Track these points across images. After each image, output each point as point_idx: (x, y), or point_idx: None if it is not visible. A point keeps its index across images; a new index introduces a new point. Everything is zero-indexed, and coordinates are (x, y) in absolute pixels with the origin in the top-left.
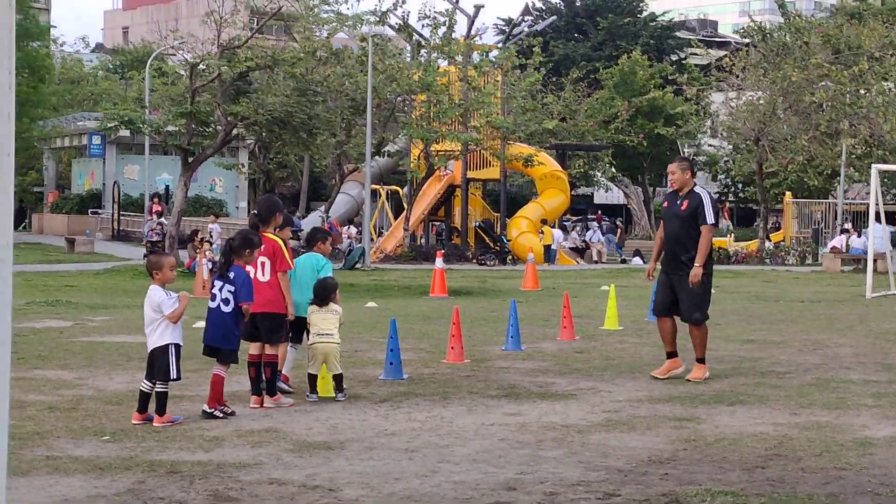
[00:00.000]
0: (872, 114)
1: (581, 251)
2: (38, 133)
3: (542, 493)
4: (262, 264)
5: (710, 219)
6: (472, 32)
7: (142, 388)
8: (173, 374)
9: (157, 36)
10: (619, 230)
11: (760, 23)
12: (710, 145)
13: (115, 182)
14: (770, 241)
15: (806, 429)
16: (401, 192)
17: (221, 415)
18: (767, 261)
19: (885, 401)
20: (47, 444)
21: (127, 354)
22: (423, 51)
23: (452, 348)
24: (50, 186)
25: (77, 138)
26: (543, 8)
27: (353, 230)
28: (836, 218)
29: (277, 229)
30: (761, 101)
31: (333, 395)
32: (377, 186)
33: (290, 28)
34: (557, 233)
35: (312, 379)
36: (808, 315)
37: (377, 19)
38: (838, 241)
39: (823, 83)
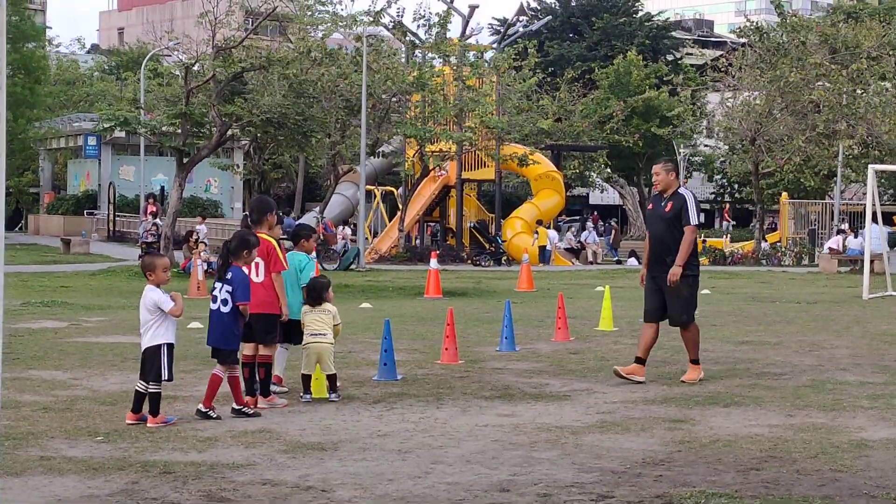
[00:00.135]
0: (870, 114)
1: (576, 252)
2: (34, 134)
3: (535, 494)
4: (256, 265)
5: (694, 219)
6: (467, 32)
7: (137, 387)
8: (165, 375)
9: (153, 37)
10: (613, 231)
11: (757, 22)
12: (706, 145)
13: (110, 183)
14: (766, 241)
15: (801, 430)
16: (396, 193)
17: (215, 415)
18: (763, 261)
19: (881, 402)
20: (41, 444)
21: (122, 355)
22: (417, 51)
23: (447, 349)
24: (46, 187)
25: (73, 139)
26: (538, 8)
27: (348, 231)
28: (832, 218)
29: (270, 229)
30: (758, 101)
31: (327, 395)
32: (372, 187)
33: (285, 29)
34: (552, 233)
35: (306, 380)
36: (805, 316)
37: (371, 19)
38: (835, 241)
39: (821, 83)
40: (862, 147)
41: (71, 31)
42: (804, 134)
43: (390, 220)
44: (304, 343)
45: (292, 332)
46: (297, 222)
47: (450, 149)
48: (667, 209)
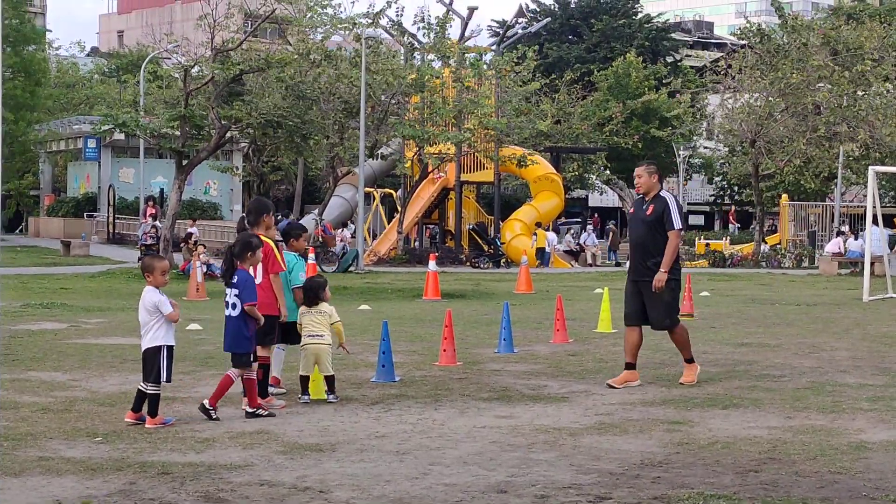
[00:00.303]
0: (871, 116)
1: (575, 254)
2: (34, 137)
3: (533, 495)
4: (255, 266)
5: (678, 224)
6: (466, 34)
7: (139, 387)
8: (163, 377)
9: (152, 39)
10: (612, 233)
11: (757, 24)
12: (705, 147)
13: (110, 185)
14: (766, 243)
15: (800, 432)
16: (394, 195)
17: (215, 416)
18: (763, 264)
19: (880, 405)
20: (40, 444)
21: (121, 356)
22: (416, 53)
23: (445, 351)
24: (46, 190)
25: (73, 142)
26: (537, 10)
27: (347, 233)
28: (832, 220)
29: (267, 230)
30: (758, 103)
31: (325, 396)
32: (371, 189)
33: (284, 31)
34: (551, 235)
35: (304, 381)
36: (804, 318)
37: (370, 21)
38: (835, 243)
39: (822, 85)
40: (863, 149)
41: (71, 34)
42: (805, 136)
43: (389, 222)
44: (301, 344)
45: (288, 333)
46: (287, 221)
47: (449, 150)
48: (648, 212)
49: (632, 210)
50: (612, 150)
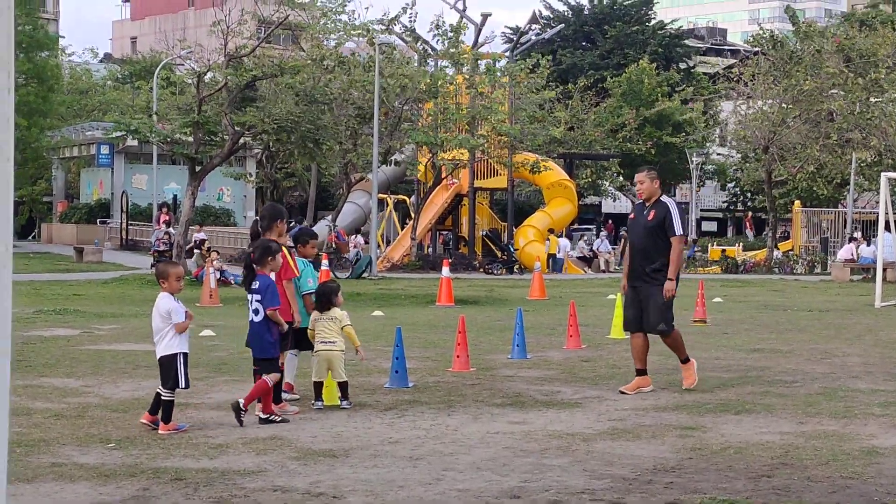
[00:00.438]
0: (884, 123)
1: (588, 260)
2: (47, 143)
3: (546, 500)
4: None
5: (679, 230)
6: (480, 41)
7: (158, 390)
8: (182, 384)
9: (165, 46)
10: (623, 239)
11: (770, 31)
12: (718, 154)
13: (123, 192)
14: (779, 249)
15: (813, 438)
16: (408, 202)
17: (244, 418)
18: (776, 270)
19: (892, 410)
20: (53, 451)
21: (134, 363)
22: (430, 59)
23: (458, 357)
24: (59, 196)
25: (86, 148)
26: (551, 16)
27: (361, 239)
28: (845, 227)
29: (280, 236)
30: (771, 110)
31: (338, 402)
32: (384, 196)
33: (298, 38)
34: (564, 242)
35: (317, 387)
36: (817, 324)
37: (384, 27)
38: (847, 250)
39: (835, 91)
40: (876, 155)
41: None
42: (818, 142)
43: (402, 229)
44: (314, 350)
45: (301, 339)
46: (299, 227)
47: (462, 156)
48: (649, 218)
49: (632, 215)
50: (626, 157)
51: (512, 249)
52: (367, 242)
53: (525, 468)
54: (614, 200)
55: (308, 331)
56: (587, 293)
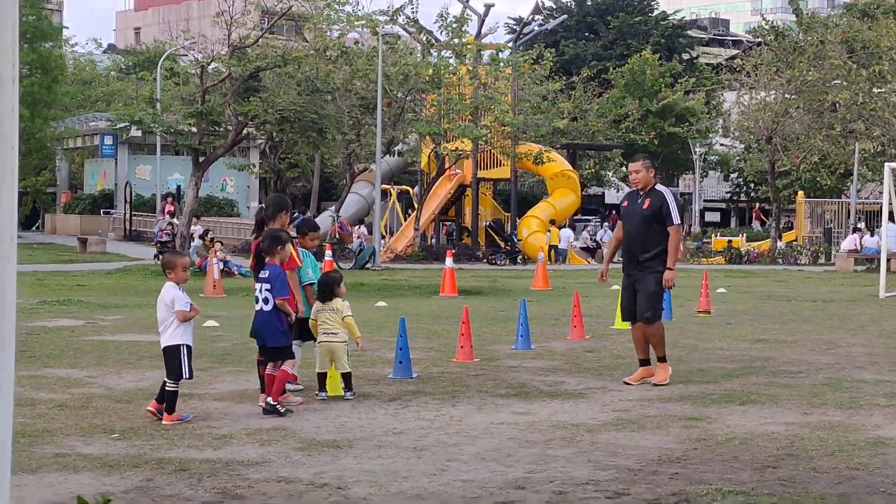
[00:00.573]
0: (888, 113)
1: (592, 251)
2: (51, 133)
3: (550, 491)
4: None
5: (677, 219)
6: (483, 32)
7: (165, 380)
8: (186, 374)
9: (169, 36)
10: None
11: (772, 22)
12: (721, 144)
13: (126, 182)
14: (782, 240)
15: (818, 428)
16: (411, 192)
17: (283, 409)
18: (780, 260)
19: None
20: (57, 441)
21: (137, 353)
22: (433, 50)
23: (462, 347)
24: (63, 187)
25: (89, 139)
26: (554, 7)
27: (364, 230)
28: (848, 217)
29: (283, 227)
30: (774, 100)
31: (342, 393)
32: (388, 186)
33: (301, 28)
34: (568, 232)
35: (321, 377)
36: (821, 315)
37: (388, 18)
38: (851, 240)
39: (838, 82)
40: (879, 146)
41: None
42: (821, 133)
43: (406, 219)
44: (317, 342)
45: (304, 329)
46: (302, 218)
47: (465, 147)
48: (644, 206)
49: (625, 203)
50: (629, 147)
51: (515, 240)
52: (370, 233)
53: (529, 459)
54: (617, 191)
55: (311, 321)
56: (591, 284)
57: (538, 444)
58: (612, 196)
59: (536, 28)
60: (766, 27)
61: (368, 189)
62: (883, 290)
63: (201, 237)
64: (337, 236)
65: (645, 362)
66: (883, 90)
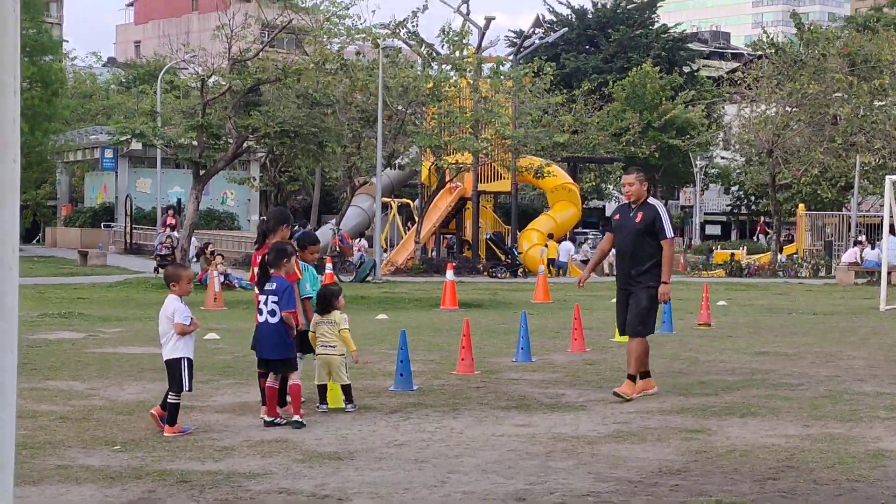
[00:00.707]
0: (889, 126)
1: None
2: (51, 147)
3: (551, 503)
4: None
5: (670, 232)
6: (484, 44)
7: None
8: (186, 387)
9: (169, 49)
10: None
11: (771, 36)
12: (722, 157)
13: (127, 195)
14: (783, 253)
15: (818, 441)
16: (412, 205)
17: (284, 422)
18: (780, 273)
19: None
20: (59, 453)
21: (139, 366)
22: (433, 63)
23: (463, 360)
24: (63, 200)
25: (90, 152)
26: (554, 20)
27: (364, 243)
28: (849, 230)
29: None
30: (775, 113)
31: (343, 405)
32: (388, 199)
33: (301, 41)
34: (568, 245)
35: (321, 390)
36: (821, 327)
37: (390, 32)
38: (851, 253)
39: (839, 95)
40: (880, 159)
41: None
42: (822, 146)
43: (406, 232)
44: (316, 354)
45: (303, 342)
46: (302, 231)
47: (466, 160)
48: (637, 220)
49: (617, 217)
50: (629, 160)
51: (516, 253)
52: (371, 246)
53: (530, 471)
54: (618, 204)
55: (310, 334)
56: (591, 296)
57: (539, 456)
58: (612, 209)
59: (537, 41)
60: (766, 41)
61: (369, 202)
62: (883, 303)
63: (200, 253)
64: (337, 249)
65: (644, 374)
66: (884, 103)
